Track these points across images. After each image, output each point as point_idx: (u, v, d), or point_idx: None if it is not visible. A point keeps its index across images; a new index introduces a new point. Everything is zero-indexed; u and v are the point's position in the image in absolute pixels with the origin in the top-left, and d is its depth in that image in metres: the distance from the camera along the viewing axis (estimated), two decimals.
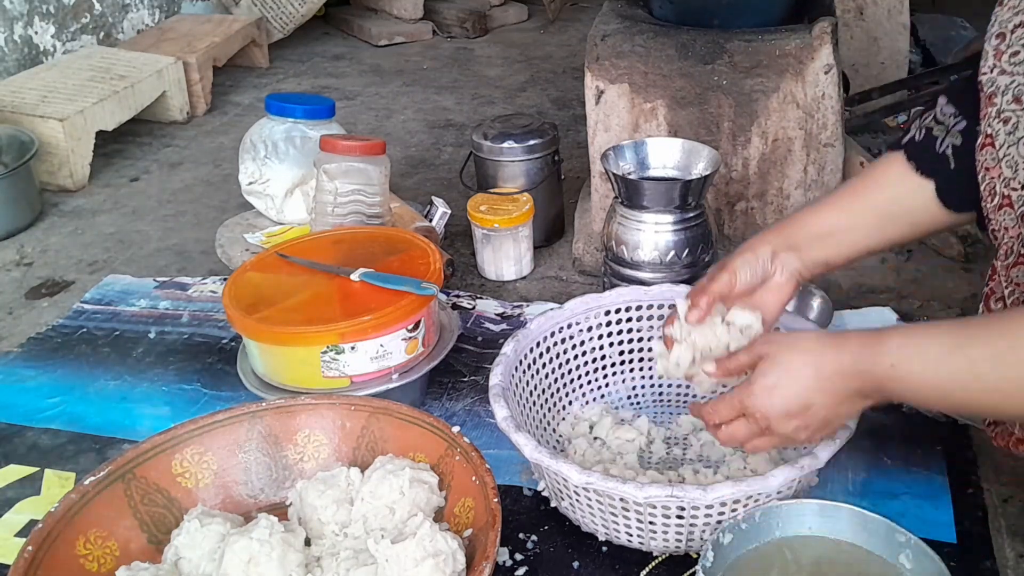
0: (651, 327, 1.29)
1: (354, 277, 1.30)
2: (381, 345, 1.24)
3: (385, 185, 1.59)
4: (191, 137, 2.46)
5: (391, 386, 1.25)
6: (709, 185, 1.43)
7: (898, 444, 1.21)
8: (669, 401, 1.30)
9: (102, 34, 2.77)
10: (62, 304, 1.68)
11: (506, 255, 1.68)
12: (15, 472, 1.26)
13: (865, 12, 2.10)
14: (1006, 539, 1.08)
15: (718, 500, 0.95)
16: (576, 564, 1.06)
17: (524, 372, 1.19)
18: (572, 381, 1.28)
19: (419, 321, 1.27)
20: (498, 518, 0.94)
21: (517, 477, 1.19)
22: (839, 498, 1.08)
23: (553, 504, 1.11)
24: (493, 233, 1.65)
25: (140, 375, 1.45)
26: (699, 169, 1.42)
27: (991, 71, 0.91)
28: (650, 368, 1.31)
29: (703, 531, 1.00)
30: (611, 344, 1.29)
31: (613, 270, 1.46)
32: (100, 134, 2.21)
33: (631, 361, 1.30)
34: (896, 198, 1.05)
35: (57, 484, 1.23)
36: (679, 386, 1.31)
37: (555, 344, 1.24)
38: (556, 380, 1.25)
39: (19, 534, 1.16)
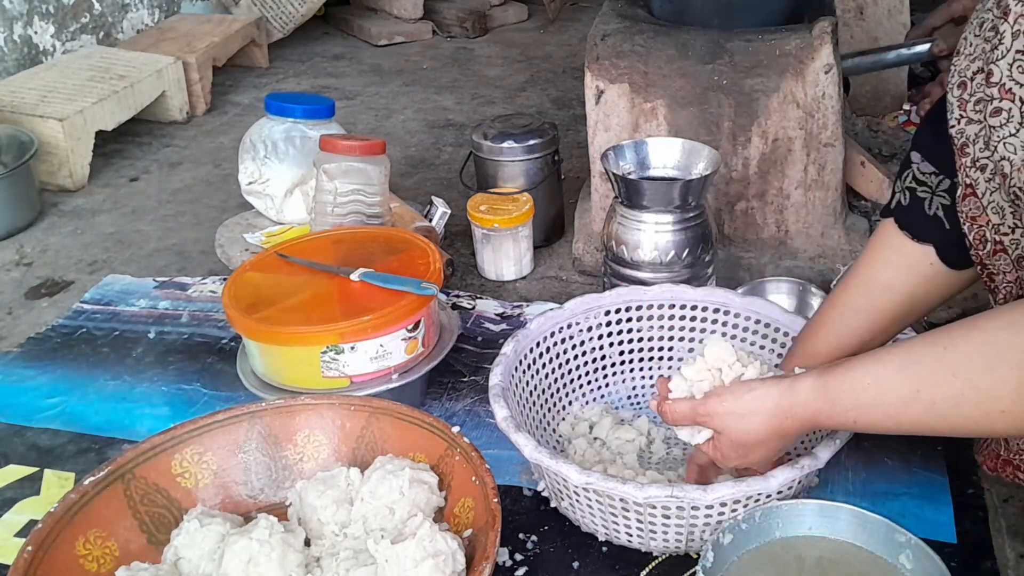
0: (651, 327, 1.29)
1: (354, 277, 1.30)
2: (381, 345, 1.24)
3: (385, 185, 1.59)
4: (191, 137, 2.46)
5: (391, 386, 1.25)
6: (709, 185, 1.43)
7: (898, 444, 1.21)
8: None
9: (102, 34, 2.77)
10: (62, 304, 1.68)
11: (506, 255, 1.68)
12: (15, 472, 1.26)
13: (865, 12, 2.10)
14: (1006, 539, 1.08)
15: (718, 500, 0.95)
16: (576, 564, 1.06)
17: (524, 372, 1.19)
18: (572, 381, 1.27)
19: (419, 321, 1.27)
20: (498, 518, 0.94)
21: (517, 477, 1.19)
22: (839, 498, 1.08)
23: (553, 504, 1.11)
24: (493, 233, 1.65)
25: (140, 375, 1.45)
26: (699, 169, 1.42)
27: (959, 122, 0.89)
28: (650, 368, 1.31)
29: (703, 531, 1.00)
30: (611, 344, 1.29)
31: (613, 270, 1.46)
32: (100, 134, 2.21)
33: (631, 361, 1.30)
34: (907, 283, 1.03)
35: (57, 484, 1.23)
36: None
37: (555, 344, 1.24)
38: (556, 380, 1.25)
39: (19, 534, 1.16)
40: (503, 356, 1.15)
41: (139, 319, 1.60)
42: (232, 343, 1.51)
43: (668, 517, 0.99)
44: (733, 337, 1.27)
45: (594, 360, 1.29)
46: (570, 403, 1.27)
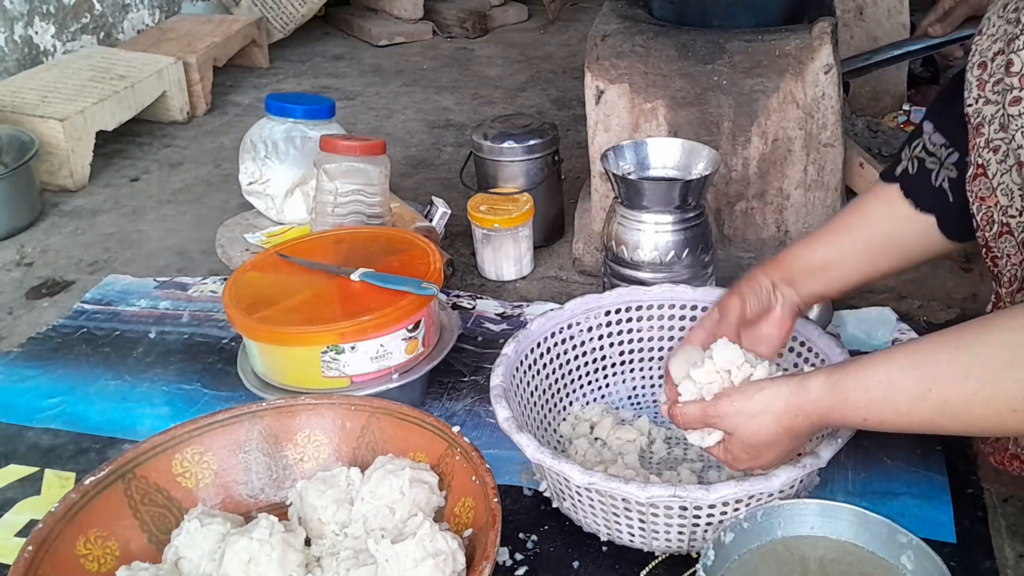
0: (651, 327, 1.29)
1: (354, 277, 1.30)
2: (381, 345, 1.24)
3: (385, 185, 1.59)
4: (191, 137, 2.46)
5: (391, 386, 1.25)
6: (709, 185, 1.43)
7: (898, 444, 1.21)
8: None
9: (102, 34, 2.77)
10: (62, 304, 1.68)
11: (506, 255, 1.68)
12: (15, 472, 1.26)
13: (865, 12, 2.10)
14: (1006, 539, 1.08)
15: (720, 500, 0.95)
16: (576, 564, 1.06)
17: (525, 373, 1.19)
18: (572, 382, 1.27)
19: (419, 321, 1.27)
20: (498, 518, 0.94)
21: (517, 477, 1.19)
22: (839, 498, 1.08)
23: (555, 504, 1.11)
24: (493, 233, 1.65)
25: (140, 375, 1.45)
26: (699, 169, 1.42)
27: (976, 102, 0.90)
28: (650, 368, 1.31)
29: (705, 531, 1.00)
30: (611, 344, 1.29)
31: (613, 270, 1.46)
32: (100, 134, 2.21)
33: (631, 361, 1.30)
34: (891, 232, 1.05)
35: (57, 484, 1.23)
36: None
37: (555, 344, 1.24)
38: (556, 381, 1.25)
39: (19, 534, 1.16)
40: (504, 357, 1.15)
41: (140, 319, 1.60)
42: (232, 343, 1.51)
43: (671, 517, 0.99)
44: None
45: (594, 360, 1.29)
46: (571, 403, 1.27)
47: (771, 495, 0.97)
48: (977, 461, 1.18)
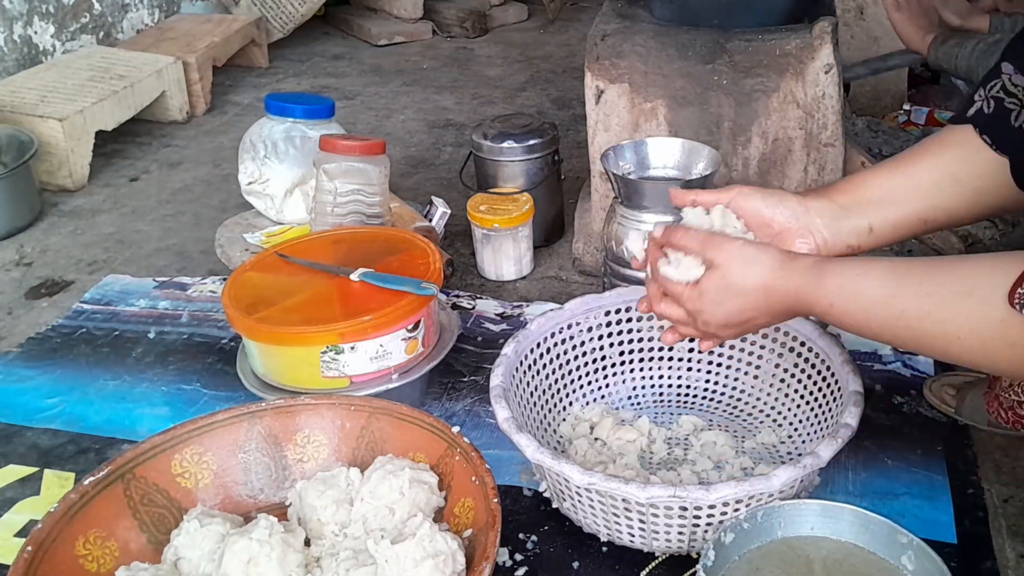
0: (651, 327, 1.29)
1: (354, 277, 1.30)
2: (381, 345, 1.24)
3: (385, 185, 1.59)
4: (191, 137, 2.46)
5: (391, 386, 1.25)
6: (709, 185, 1.42)
7: (898, 444, 1.21)
8: (670, 402, 1.30)
9: (102, 34, 2.77)
10: (62, 304, 1.68)
11: (506, 255, 1.67)
12: (15, 472, 1.26)
13: (865, 12, 2.10)
14: (1006, 539, 1.07)
15: (721, 500, 0.95)
16: (576, 564, 1.06)
17: (525, 373, 1.19)
18: (572, 382, 1.27)
19: (419, 321, 1.27)
20: (498, 518, 0.94)
21: (517, 477, 1.19)
22: (839, 498, 1.08)
23: (555, 505, 1.11)
24: (493, 233, 1.65)
25: (139, 375, 1.45)
26: (699, 169, 1.41)
27: None
28: (650, 368, 1.31)
29: (705, 531, 1.00)
30: (611, 344, 1.29)
31: (613, 270, 1.46)
32: (100, 134, 2.21)
33: (631, 362, 1.30)
34: (964, 165, 0.98)
35: (57, 484, 1.23)
36: (680, 387, 1.31)
37: (555, 345, 1.24)
38: (556, 381, 1.25)
39: (19, 534, 1.16)
40: (504, 357, 1.15)
41: (139, 319, 1.60)
42: (232, 343, 1.50)
43: (671, 517, 0.99)
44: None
45: (594, 360, 1.29)
46: (571, 404, 1.27)
47: (771, 495, 0.97)
48: (977, 461, 1.18)
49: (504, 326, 1.52)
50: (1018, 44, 0.98)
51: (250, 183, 1.81)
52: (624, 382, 1.31)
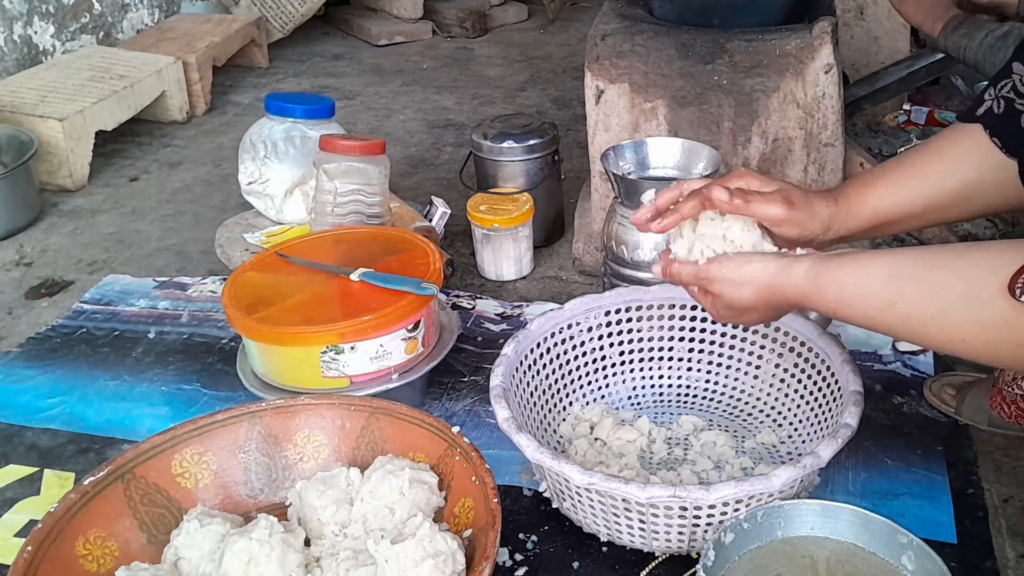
0: (651, 327, 1.29)
1: (354, 277, 1.30)
2: (381, 345, 1.24)
3: (385, 185, 1.59)
4: (191, 137, 2.46)
5: (391, 386, 1.25)
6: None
7: (898, 444, 1.21)
8: (670, 402, 1.30)
9: (102, 34, 2.77)
10: (62, 304, 1.68)
11: (506, 255, 1.67)
12: (15, 472, 1.26)
13: (865, 12, 2.10)
14: (1006, 539, 1.07)
15: (721, 500, 0.95)
16: (576, 564, 1.06)
17: (525, 373, 1.19)
18: (572, 382, 1.27)
19: (419, 321, 1.27)
20: (498, 518, 0.94)
21: (517, 477, 1.19)
22: (839, 498, 1.08)
23: (555, 505, 1.11)
24: (493, 233, 1.65)
25: (139, 375, 1.45)
26: (699, 169, 1.41)
27: None
28: (650, 368, 1.31)
29: (705, 531, 1.00)
30: (611, 344, 1.29)
31: (613, 270, 1.46)
32: (100, 134, 2.21)
33: (631, 362, 1.30)
34: (971, 165, 0.99)
35: (57, 484, 1.23)
36: (680, 387, 1.31)
37: (555, 345, 1.24)
38: (556, 381, 1.25)
39: (19, 534, 1.16)
40: (504, 357, 1.15)
41: (139, 319, 1.60)
42: (232, 343, 1.50)
43: (671, 517, 0.99)
44: (733, 337, 1.27)
45: (594, 360, 1.29)
46: (571, 404, 1.27)
47: (771, 495, 0.97)
48: (977, 461, 1.18)
49: (504, 326, 1.52)
50: None
51: (250, 183, 1.81)
52: (624, 382, 1.31)
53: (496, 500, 0.96)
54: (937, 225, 1.04)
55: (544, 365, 1.23)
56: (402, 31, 3.22)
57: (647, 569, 1.05)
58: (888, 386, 1.32)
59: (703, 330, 1.28)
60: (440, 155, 2.28)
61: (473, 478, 1.01)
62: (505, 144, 1.71)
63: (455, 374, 1.40)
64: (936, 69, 1.88)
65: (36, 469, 1.26)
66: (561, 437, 1.23)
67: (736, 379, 1.28)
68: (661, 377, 1.31)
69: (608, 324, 1.28)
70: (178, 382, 1.43)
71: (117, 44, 2.76)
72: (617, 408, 1.29)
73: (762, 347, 1.25)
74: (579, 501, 1.04)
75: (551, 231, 1.81)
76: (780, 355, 1.23)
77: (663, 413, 1.29)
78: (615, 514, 1.02)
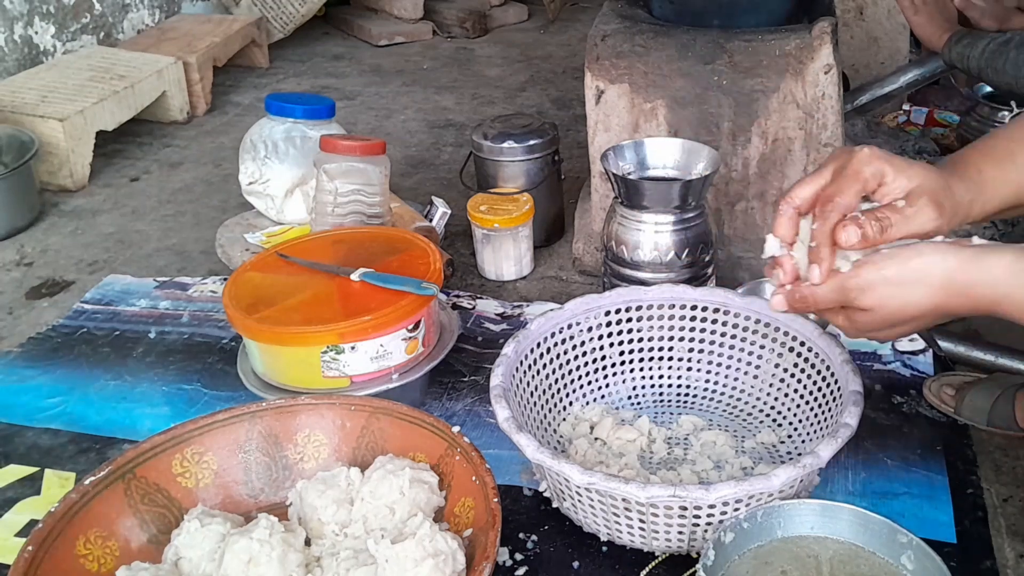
0: (651, 327, 1.29)
1: (354, 277, 1.30)
2: (381, 345, 1.24)
3: (385, 185, 1.59)
4: (191, 137, 2.46)
5: (391, 386, 1.25)
6: (709, 185, 1.43)
7: (898, 444, 1.21)
8: (670, 401, 1.30)
9: (102, 34, 2.77)
10: (62, 304, 1.68)
11: (506, 255, 1.68)
12: (15, 472, 1.26)
13: (865, 12, 2.10)
14: (1006, 539, 1.08)
15: (720, 500, 0.95)
16: (576, 564, 1.06)
17: (525, 373, 1.19)
18: (572, 382, 1.27)
19: (419, 321, 1.27)
20: (498, 518, 0.94)
21: (517, 477, 1.19)
22: (839, 498, 1.09)
23: (555, 504, 1.11)
24: (493, 233, 1.65)
25: (140, 375, 1.45)
26: (699, 169, 1.42)
27: None
28: (650, 368, 1.31)
29: (705, 531, 1.00)
30: (611, 344, 1.29)
31: (613, 270, 1.46)
32: (100, 134, 2.21)
33: (631, 361, 1.30)
34: None
35: (57, 484, 1.23)
36: (680, 387, 1.31)
37: (555, 345, 1.24)
38: (556, 381, 1.25)
39: (19, 534, 1.16)
40: (504, 357, 1.15)
41: (139, 319, 1.60)
42: (232, 343, 1.51)
43: (671, 517, 0.99)
44: (733, 337, 1.27)
45: (594, 360, 1.29)
46: (571, 403, 1.27)
47: (771, 495, 0.97)
48: (977, 461, 1.18)
49: (504, 326, 1.52)
50: None
51: (250, 183, 1.81)
52: (624, 382, 1.31)
53: (496, 500, 0.96)
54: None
55: (544, 365, 1.23)
56: (402, 31, 3.23)
57: (647, 569, 1.05)
58: (888, 386, 1.32)
59: (703, 330, 1.28)
60: (440, 155, 2.28)
61: (473, 478, 1.01)
62: (505, 144, 1.71)
63: (455, 374, 1.40)
64: (938, 75, 1.88)
65: (37, 469, 1.26)
66: (561, 437, 1.23)
67: (736, 379, 1.28)
68: (661, 377, 1.31)
69: (608, 324, 1.28)
70: (179, 382, 1.43)
71: (118, 44, 2.76)
72: (617, 408, 1.29)
73: (762, 347, 1.25)
74: (579, 501, 1.04)
75: (551, 231, 1.81)
76: (780, 355, 1.23)
77: (663, 413, 1.29)
78: (615, 514, 1.02)
